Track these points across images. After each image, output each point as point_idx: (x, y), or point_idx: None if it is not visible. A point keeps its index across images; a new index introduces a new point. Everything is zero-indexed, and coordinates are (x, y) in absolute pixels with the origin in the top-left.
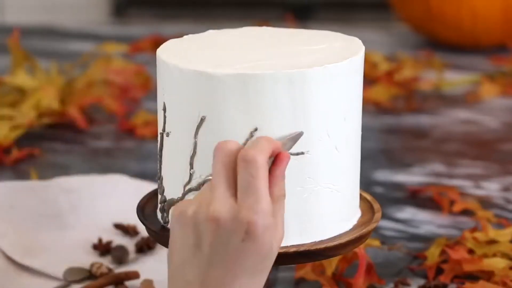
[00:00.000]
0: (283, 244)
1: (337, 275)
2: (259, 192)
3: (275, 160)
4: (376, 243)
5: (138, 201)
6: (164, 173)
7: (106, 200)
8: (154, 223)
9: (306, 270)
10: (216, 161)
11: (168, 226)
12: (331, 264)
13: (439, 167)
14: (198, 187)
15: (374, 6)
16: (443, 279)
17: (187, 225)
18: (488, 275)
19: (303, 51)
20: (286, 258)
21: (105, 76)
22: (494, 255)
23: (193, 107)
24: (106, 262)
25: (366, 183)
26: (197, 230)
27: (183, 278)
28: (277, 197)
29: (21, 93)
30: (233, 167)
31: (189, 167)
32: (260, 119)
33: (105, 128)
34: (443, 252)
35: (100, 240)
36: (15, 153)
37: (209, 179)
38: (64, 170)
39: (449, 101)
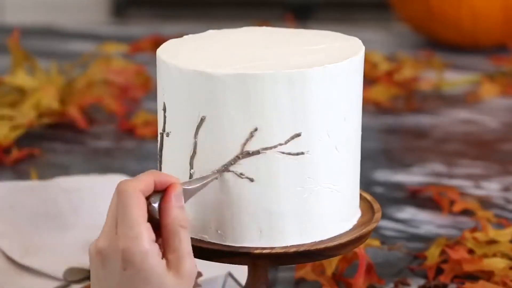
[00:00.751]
0: (283, 244)
1: (337, 275)
2: (132, 219)
3: (164, 192)
4: (376, 243)
5: None
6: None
7: (106, 200)
8: None
9: (306, 270)
10: (112, 199)
11: None
12: (331, 264)
13: (439, 167)
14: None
15: (374, 6)
16: (443, 279)
17: (90, 263)
18: (488, 275)
19: (303, 51)
20: (286, 258)
21: (105, 76)
22: (494, 255)
23: (193, 107)
24: None
25: (366, 183)
26: (93, 266)
27: None
28: (174, 228)
29: (21, 93)
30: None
31: (189, 167)
32: (260, 119)
33: (105, 128)
34: (443, 252)
35: None
36: (15, 153)
37: None
38: (64, 170)
39: (449, 101)
